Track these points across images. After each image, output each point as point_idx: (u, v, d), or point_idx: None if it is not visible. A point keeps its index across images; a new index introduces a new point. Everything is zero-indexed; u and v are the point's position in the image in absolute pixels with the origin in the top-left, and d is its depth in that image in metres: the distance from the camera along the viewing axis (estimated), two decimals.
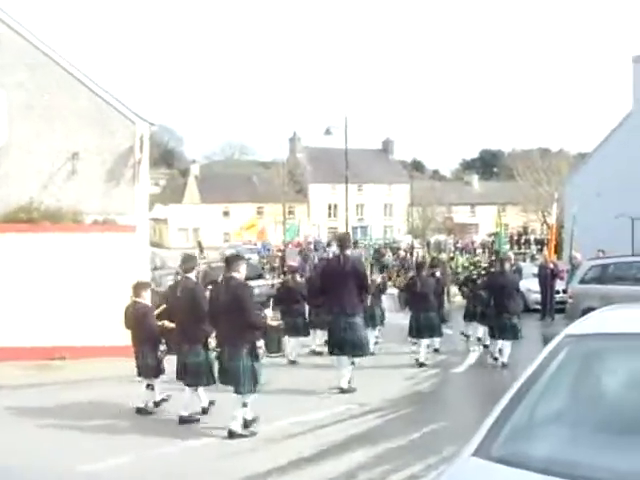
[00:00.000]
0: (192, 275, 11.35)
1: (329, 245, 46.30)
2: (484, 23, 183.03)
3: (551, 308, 23.47)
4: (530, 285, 25.23)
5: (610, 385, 4.00)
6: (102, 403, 12.21)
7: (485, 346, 17.46)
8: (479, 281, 19.30)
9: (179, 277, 12.99)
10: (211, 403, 11.05)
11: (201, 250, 43.75)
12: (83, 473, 7.87)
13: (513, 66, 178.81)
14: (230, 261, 10.23)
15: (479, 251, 63.34)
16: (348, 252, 12.77)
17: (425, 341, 16.03)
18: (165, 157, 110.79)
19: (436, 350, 17.21)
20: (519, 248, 58.86)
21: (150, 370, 11.42)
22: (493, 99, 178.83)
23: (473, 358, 16.77)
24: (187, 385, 10.81)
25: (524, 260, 40.08)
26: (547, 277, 23.95)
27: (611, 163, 31.20)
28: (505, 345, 15.40)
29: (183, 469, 8.65)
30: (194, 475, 8.47)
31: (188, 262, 11.51)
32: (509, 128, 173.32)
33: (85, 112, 17.85)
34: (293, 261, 34.64)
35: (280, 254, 38.60)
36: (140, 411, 11.36)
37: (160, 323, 11.50)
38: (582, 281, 19.01)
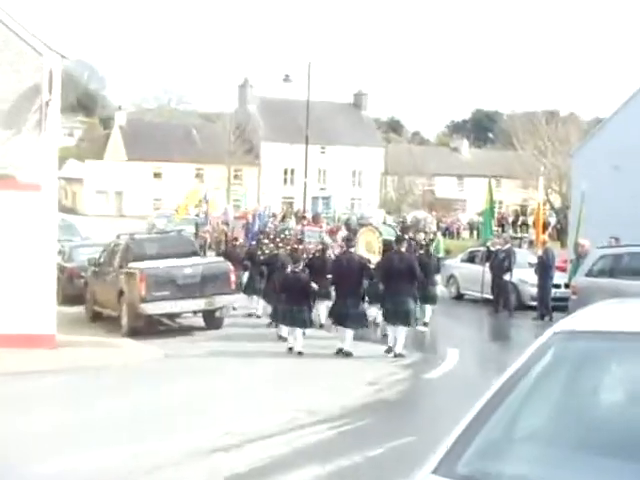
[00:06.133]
0: (354, 249, 18.95)
1: (283, 219, 46.14)
2: None
3: (545, 305, 23.58)
4: (525, 276, 25.35)
5: (603, 395, 4.03)
6: None
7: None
8: None
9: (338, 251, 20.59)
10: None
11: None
12: None
13: (517, 15, 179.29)
14: (399, 240, 18.23)
15: (465, 232, 63.93)
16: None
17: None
18: (84, 101, 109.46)
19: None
20: (515, 231, 59.42)
21: (308, 322, 18.09)
22: (491, 51, 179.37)
23: (452, 362, 16.89)
24: (349, 328, 17.36)
25: (520, 246, 40.35)
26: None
27: (631, 131, 31.39)
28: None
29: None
30: None
31: (351, 241, 19.56)
32: (509, 86, 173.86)
33: None
34: (238, 234, 34.63)
35: (225, 227, 38.40)
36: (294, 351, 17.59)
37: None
38: (589, 274, 19.20)
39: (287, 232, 23.62)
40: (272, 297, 20.14)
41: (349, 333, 17.48)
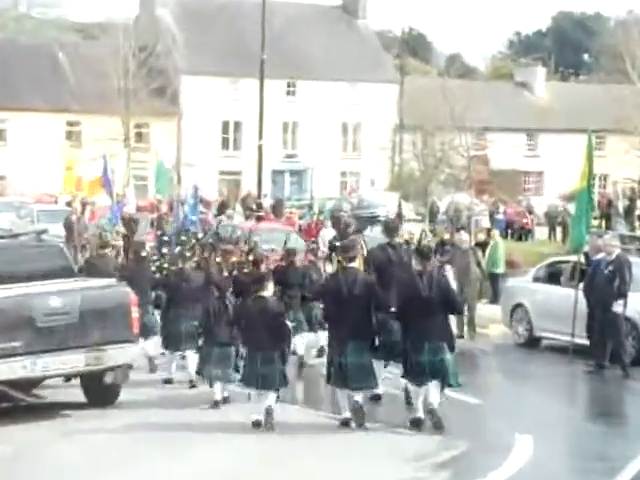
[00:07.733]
0: (356, 264, 19.15)
1: (222, 209, 46.35)
2: None
3: None
4: None
5: None
6: None
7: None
8: None
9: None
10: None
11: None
12: None
13: None
14: (425, 255, 19.25)
15: (542, 230, 64.01)
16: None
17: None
18: None
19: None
20: (631, 227, 59.59)
21: (281, 380, 18.81)
22: None
23: (522, 457, 16.79)
24: (353, 390, 18.32)
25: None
26: None
27: None
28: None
29: None
30: None
31: (349, 251, 19.19)
32: None
33: None
34: (145, 235, 34.94)
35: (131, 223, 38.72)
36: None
37: None
38: None
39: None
40: (186, 339, 21.49)
41: (358, 396, 18.44)
